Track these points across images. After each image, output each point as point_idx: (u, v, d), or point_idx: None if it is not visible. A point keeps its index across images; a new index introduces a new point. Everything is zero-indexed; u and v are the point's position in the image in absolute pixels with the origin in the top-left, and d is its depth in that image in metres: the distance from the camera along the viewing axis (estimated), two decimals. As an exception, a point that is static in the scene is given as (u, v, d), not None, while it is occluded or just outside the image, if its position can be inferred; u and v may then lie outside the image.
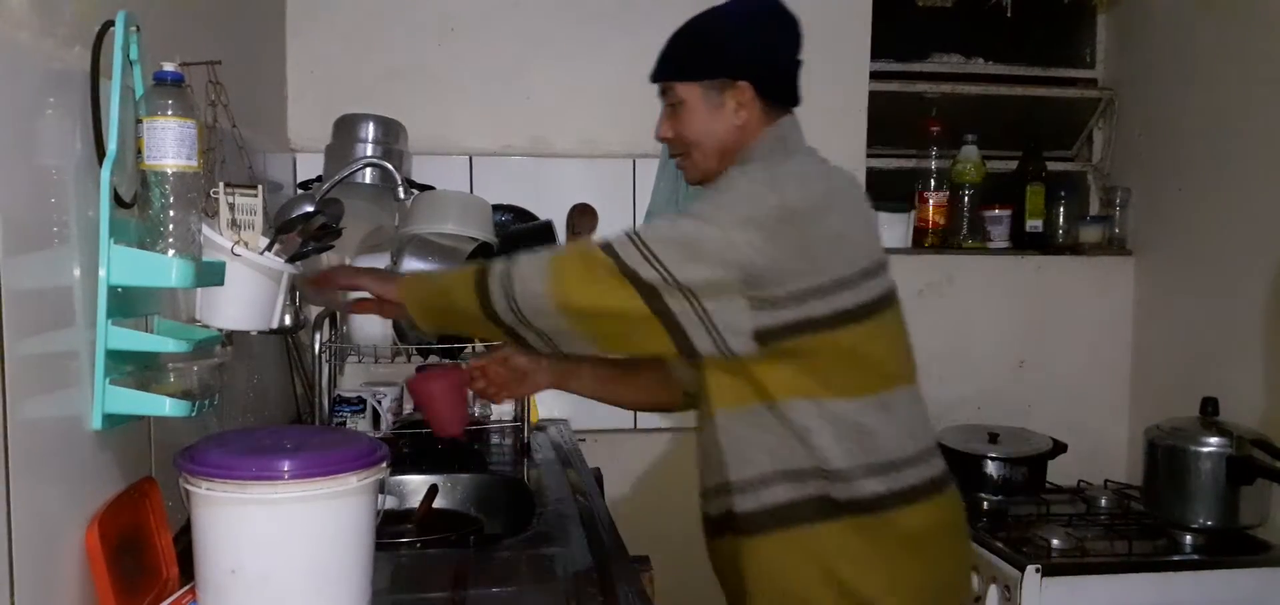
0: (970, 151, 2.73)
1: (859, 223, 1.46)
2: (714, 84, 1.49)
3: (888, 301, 1.48)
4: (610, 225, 2.52)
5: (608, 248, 1.37)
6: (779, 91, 1.53)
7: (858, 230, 1.45)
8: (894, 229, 2.73)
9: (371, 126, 2.25)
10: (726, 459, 1.47)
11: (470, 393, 1.99)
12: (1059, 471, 2.45)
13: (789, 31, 1.55)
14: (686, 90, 1.50)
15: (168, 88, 1.12)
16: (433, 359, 2.28)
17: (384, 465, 1.18)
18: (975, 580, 2.12)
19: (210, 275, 1.21)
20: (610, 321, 1.38)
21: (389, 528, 1.76)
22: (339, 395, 2.15)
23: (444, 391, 1.79)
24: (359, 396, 2.16)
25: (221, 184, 1.28)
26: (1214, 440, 2.07)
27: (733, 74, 1.49)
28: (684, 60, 1.51)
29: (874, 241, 1.49)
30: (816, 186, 1.43)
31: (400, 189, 1.87)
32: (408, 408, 2.35)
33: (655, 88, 1.56)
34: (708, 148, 1.51)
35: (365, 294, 1.55)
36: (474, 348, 2.21)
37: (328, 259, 1.94)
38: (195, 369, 1.24)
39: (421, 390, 1.82)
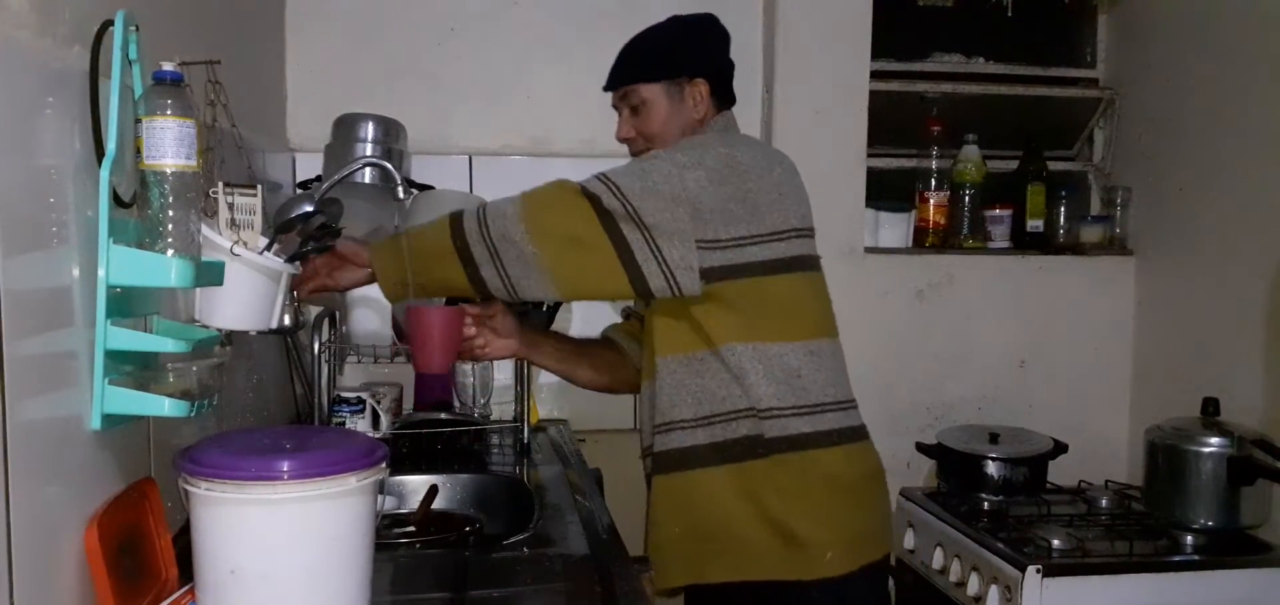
0: (971, 151, 2.73)
1: (795, 187, 1.63)
2: (676, 82, 1.69)
3: (815, 264, 1.66)
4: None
5: (578, 183, 1.52)
6: (725, 90, 1.74)
7: (793, 193, 1.61)
8: (894, 229, 2.73)
9: (371, 126, 2.25)
10: (669, 401, 1.62)
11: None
12: (1060, 472, 2.45)
13: (726, 39, 1.76)
14: (649, 90, 1.69)
15: (167, 87, 1.12)
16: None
17: (384, 465, 1.18)
18: (975, 580, 2.12)
19: (209, 275, 1.21)
20: (572, 250, 1.50)
21: (389, 528, 1.76)
22: (338, 395, 2.15)
23: (442, 322, 1.77)
24: (358, 396, 2.16)
25: (221, 184, 1.28)
26: (1215, 440, 2.07)
27: (692, 72, 1.69)
28: (645, 63, 1.70)
29: (807, 210, 1.64)
30: (759, 150, 1.65)
31: (400, 189, 1.87)
32: (408, 407, 2.35)
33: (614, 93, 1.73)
34: (668, 139, 1.69)
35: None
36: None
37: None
38: (194, 369, 1.23)
39: (420, 318, 1.78)
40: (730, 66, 1.75)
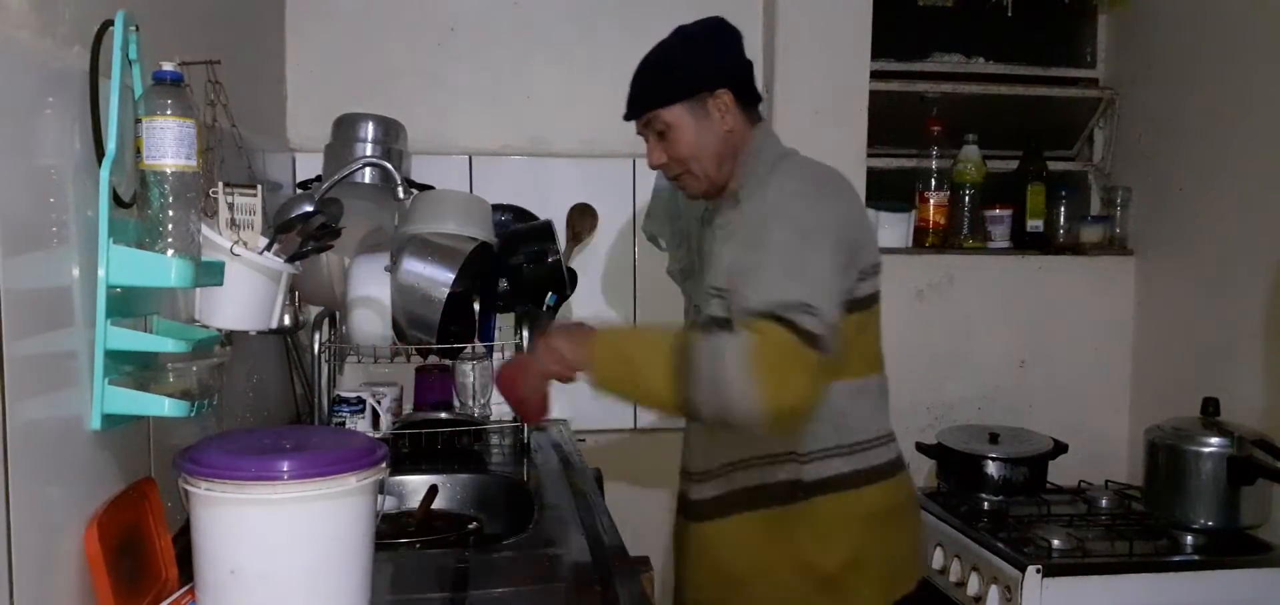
0: (971, 151, 2.73)
1: (868, 218, 1.61)
2: (697, 99, 1.58)
3: (878, 297, 1.61)
4: (610, 225, 2.52)
5: (803, 332, 1.35)
6: (749, 92, 1.64)
7: (871, 227, 1.62)
8: (894, 229, 2.73)
9: (371, 126, 2.25)
10: (705, 450, 1.59)
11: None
12: (1060, 472, 2.45)
13: (738, 39, 1.65)
14: (672, 113, 1.58)
15: (167, 87, 1.12)
16: (431, 359, 2.28)
17: (383, 465, 1.18)
18: (975, 580, 2.12)
19: (209, 275, 1.21)
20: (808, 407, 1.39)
21: (389, 528, 1.76)
22: (338, 395, 2.15)
23: (524, 380, 1.70)
24: (358, 396, 2.16)
25: (221, 184, 1.28)
26: (1215, 440, 2.07)
27: (712, 85, 1.58)
28: (662, 87, 1.59)
29: (876, 239, 1.64)
30: (842, 184, 1.58)
31: (400, 189, 1.87)
32: (408, 407, 2.35)
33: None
34: (705, 158, 1.60)
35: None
36: (473, 349, 2.21)
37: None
38: (194, 369, 1.23)
39: (504, 383, 1.70)
40: (749, 65, 1.65)
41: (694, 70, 1.59)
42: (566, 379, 1.52)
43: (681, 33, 1.62)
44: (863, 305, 1.56)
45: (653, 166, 1.65)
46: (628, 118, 1.64)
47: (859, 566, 1.58)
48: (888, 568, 1.63)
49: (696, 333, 1.46)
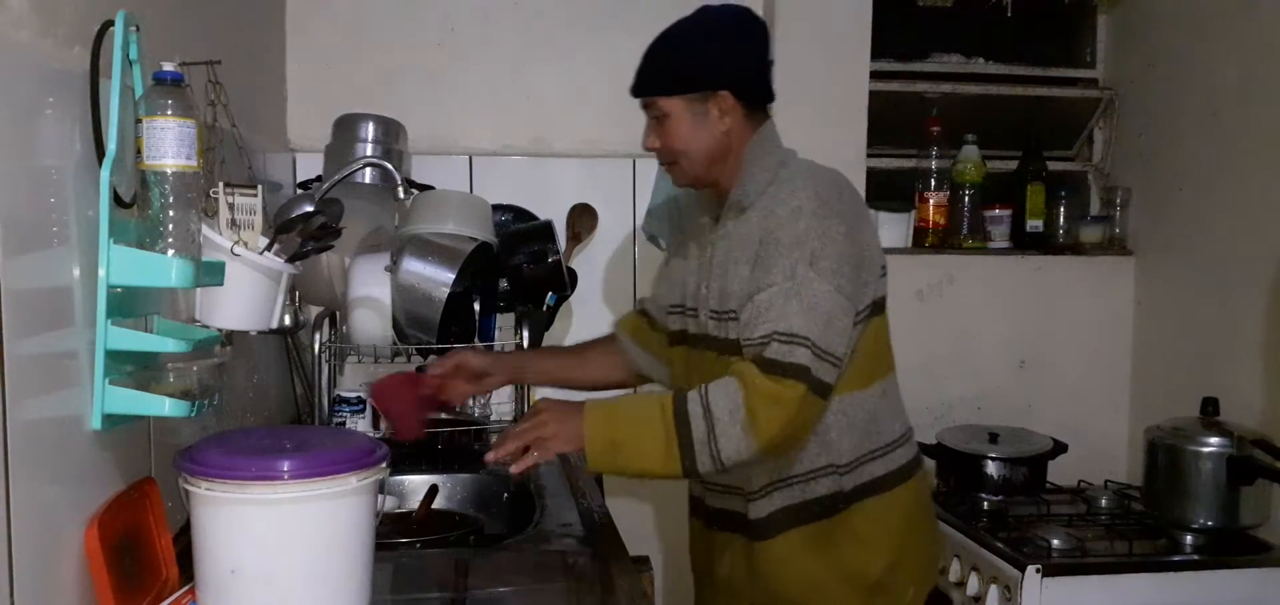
0: (970, 151, 2.73)
1: (871, 219, 1.63)
2: (696, 96, 1.55)
3: (886, 298, 1.61)
4: (610, 225, 2.51)
5: (793, 369, 1.41)
6: (756, 94, 1.59)
7: (875, 229, 1.60)
8: (894, 229, 2.73)
9: (371, 126, 2.25)
10: (744, 471, 1.54)
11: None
12: (1059, 471, 2.45)
13: (759, 35, 1.60)
14: (670, 104, 1.55)
15: (167, 87, 1.12)
16: (432, 359, 2.28)
17: (384, 465, 1.18)
18: (975, 580, 2.12)
19: (210, 275, 1.21)
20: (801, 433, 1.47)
21: (389, 528, 1.76)
22: (339, 395, 2.15)
23: (402, 396, 1.78)
24: (359, 396, 2.16)
25: (221, 184, 1.27)
26: (1214, 440, 2.07)
27: (713, 85, 1.54)
28: (664, 75, 1.56)
29: (879, 239, 1.63)
30: (845, 189, 1.56)
31: (400, 189, 1.87)
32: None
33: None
34: (695, 156, 1.58)
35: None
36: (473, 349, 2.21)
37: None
38: (195, 369, 1.23)
39: (381, 395, 1.80)
40: (764, 65, 1.60)
41: (698, 66, 1.55)
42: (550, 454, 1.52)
43: (703, 18, 1.57)
44: (877, 309, 1.57)
45: (646, 147, 1.63)
46: (634, 94, 1.61)
47: (900, 568, 1.60)
48: (923, 563, 1.67)
49: (683, 398, 1.45)
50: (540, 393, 2.34)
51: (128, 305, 1.15)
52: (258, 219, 1.29)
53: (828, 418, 1.52)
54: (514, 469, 1.50)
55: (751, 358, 1.44)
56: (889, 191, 2.75)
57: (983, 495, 2.34)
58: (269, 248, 1.31)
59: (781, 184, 1.54)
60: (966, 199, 2.74)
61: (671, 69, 1.56)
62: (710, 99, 1.54)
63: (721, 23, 1.58)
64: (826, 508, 1.55)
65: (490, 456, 1.52)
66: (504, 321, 2.36)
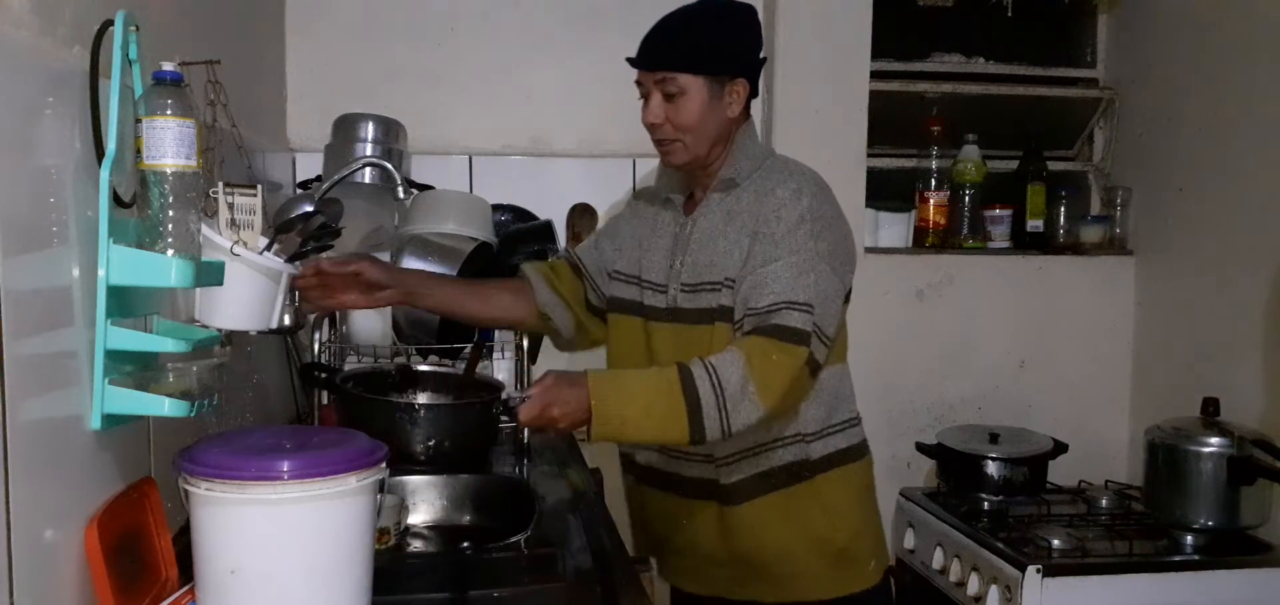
0: (971, 151, 2.73)
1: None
2: (717, 79, 1.57)
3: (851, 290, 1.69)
4: (610, 225, 2.51)
5: (799, 336, 1.48)
6: (755, 89, 1.66)
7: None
8: (894, 229, 2.73)
9: (371, 126, 2.25)
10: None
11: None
12: (1060, 472, 2.45)
13: (761, 36, 1.67)
14: (690, 81, 1.56)
15: (167, 87, 1.12)
16: (432, 358, 2.28)
17: (384, 465, 1.18)
18: (975, 580, 2.12)
19: (209, 275, 1.21)
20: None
21: (436, 384, 1.90)
22: (339, 395, 2.14)
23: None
24: (359, 396, 2.15)
25: (221, 184, 1.27)
26: (1215, 440, 2.07)
27: (733, 71, 1.59)
28: (690, 53, 1.56)
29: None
30: (820, 184, 1.62)
31: (400, 189, 1.87)
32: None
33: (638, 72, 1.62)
34: (703, 136, 1.60)
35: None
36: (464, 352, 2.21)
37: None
38: (194, 369, 1.23)
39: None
40: (763, 62, 1.69)
41: (727, 51, 1.59)
42: (561, 433, 1.56)
43: (720, 5, 1.60)
44: (848, 298, 1.66)
45: (647, 122, 1.61)
46: (638, 65, 1.59)
47: (866, 536, 1.70)
48: (879, 537, 1.77)
49: (688, 366, 1.47)
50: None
51: (127, 305, 1.15)
52: (257, 219, 1.29)
53: None
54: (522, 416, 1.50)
55: (755, 325, 1.49)
56: (889, 191, 2.75)
57: (983, 495, 2.34)
58: (269, 248, 1.31)
59: (773, 168, 1.62)
60: (967, 199, 2.74)
61: (701, 48, 1.57)
62: (728, 84, 1.58)
63: (742, 13, 1.61)
64: (793, 475, 1.62)
65: (524, 416, 1.50)
66: (504, 321, 2.35)
